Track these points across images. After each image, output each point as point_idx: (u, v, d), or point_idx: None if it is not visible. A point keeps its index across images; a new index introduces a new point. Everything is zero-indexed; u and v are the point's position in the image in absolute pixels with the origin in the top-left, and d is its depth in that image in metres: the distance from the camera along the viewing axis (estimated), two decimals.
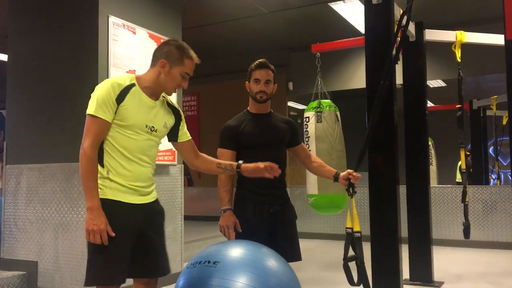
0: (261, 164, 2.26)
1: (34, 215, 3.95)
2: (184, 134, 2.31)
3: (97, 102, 1.99)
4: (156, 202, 2.22)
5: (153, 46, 4.30)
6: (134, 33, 4.12)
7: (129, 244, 2.02)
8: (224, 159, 2.56)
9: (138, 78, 2.14)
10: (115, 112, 2.02)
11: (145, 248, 2.10)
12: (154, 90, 2.14)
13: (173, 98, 4.51)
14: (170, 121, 2.24)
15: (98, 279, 1.98)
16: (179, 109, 2.31)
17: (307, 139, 4.67)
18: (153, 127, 2.13)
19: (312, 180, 4.65)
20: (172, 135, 2.28)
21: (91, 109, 2.00)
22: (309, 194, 4.72)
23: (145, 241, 2.10)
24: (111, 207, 2.00)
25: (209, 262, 2.02)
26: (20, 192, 4.05)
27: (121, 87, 2.04)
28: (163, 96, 2.23)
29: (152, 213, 2.17)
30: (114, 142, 2.05)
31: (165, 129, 2.21)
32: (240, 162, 2.33)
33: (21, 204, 4.03)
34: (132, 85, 2.09)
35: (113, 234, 1.97)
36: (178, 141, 2.29)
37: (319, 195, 4.61)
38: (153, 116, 2.13)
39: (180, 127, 2.29)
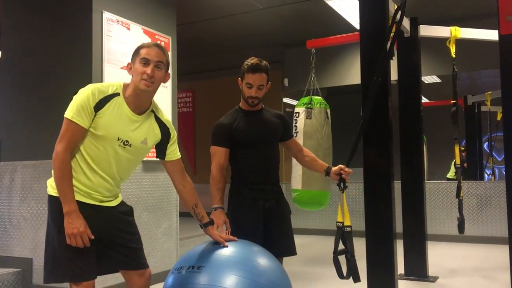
0: (225, 243, 2.14)
1: (28, 212, 3.94)
2: (173, 153, 2.22)
3: (76, 107, 1.96)
4: (120, 204, 2.18)
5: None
6: (129, 29, 4.10)
7: (90, 241, 1.97)
8: (218, 156, 2.57)
9: (125, 87, 2.07)
10: (92, 119, 1.98)
11: (117, 245, 2.10)
12: (136, 100, 2.05)
13: (168, 95, 4.52)
14: (154, 138, 2.15)
15: (66, 276, 1.97)
16: (170, 127, 2.21)
17: (295, 134, 4.68)
18: (127, 141, 2.05)
19: (296, 175, 4.69)
20: (160, 152, 2.22)
21: (69, 113, 1.97)
22: (293, 189, 4.78)
23: (115, 238, 2.09)
24: None
25: (193, 267, 1.98)
26: (15, 189, 4.03)
27: (102, 95, 1.99)
28: (152, 111, 2.15)
29: (117, 213, 2.14)
30: (82, 148, 2.01)
31: (144, 146, 2.12)
32: (209, 221, 2.25)
33: (15, 201, 4.02)
34: (116, 94, 2.03)
35: (93, 237, 1.96)
36: (166, 159, 2.22)
37: (302, 190, 4.66)
38: (131, 130, 2.06)
39: (169, 145, 2.20)
